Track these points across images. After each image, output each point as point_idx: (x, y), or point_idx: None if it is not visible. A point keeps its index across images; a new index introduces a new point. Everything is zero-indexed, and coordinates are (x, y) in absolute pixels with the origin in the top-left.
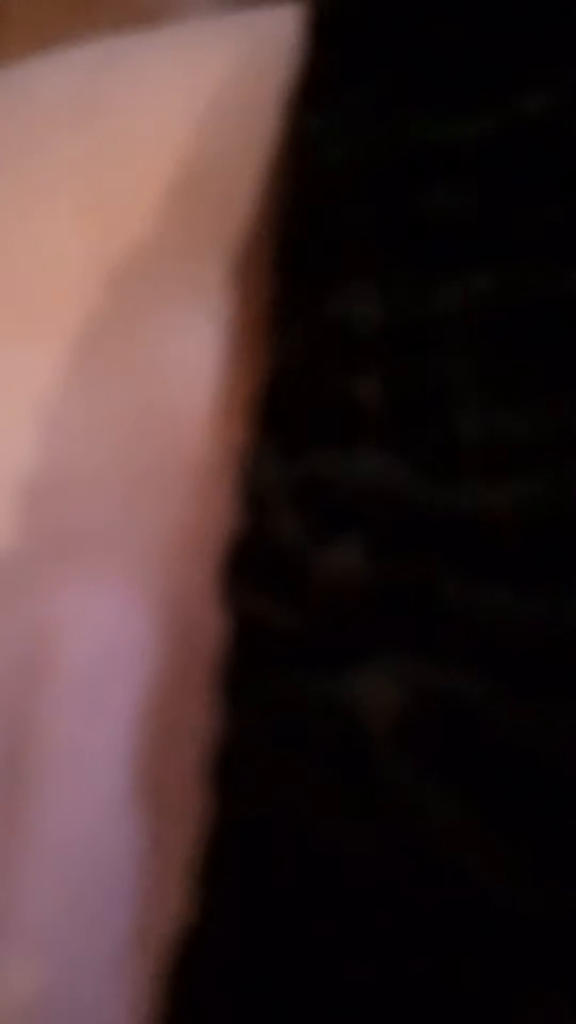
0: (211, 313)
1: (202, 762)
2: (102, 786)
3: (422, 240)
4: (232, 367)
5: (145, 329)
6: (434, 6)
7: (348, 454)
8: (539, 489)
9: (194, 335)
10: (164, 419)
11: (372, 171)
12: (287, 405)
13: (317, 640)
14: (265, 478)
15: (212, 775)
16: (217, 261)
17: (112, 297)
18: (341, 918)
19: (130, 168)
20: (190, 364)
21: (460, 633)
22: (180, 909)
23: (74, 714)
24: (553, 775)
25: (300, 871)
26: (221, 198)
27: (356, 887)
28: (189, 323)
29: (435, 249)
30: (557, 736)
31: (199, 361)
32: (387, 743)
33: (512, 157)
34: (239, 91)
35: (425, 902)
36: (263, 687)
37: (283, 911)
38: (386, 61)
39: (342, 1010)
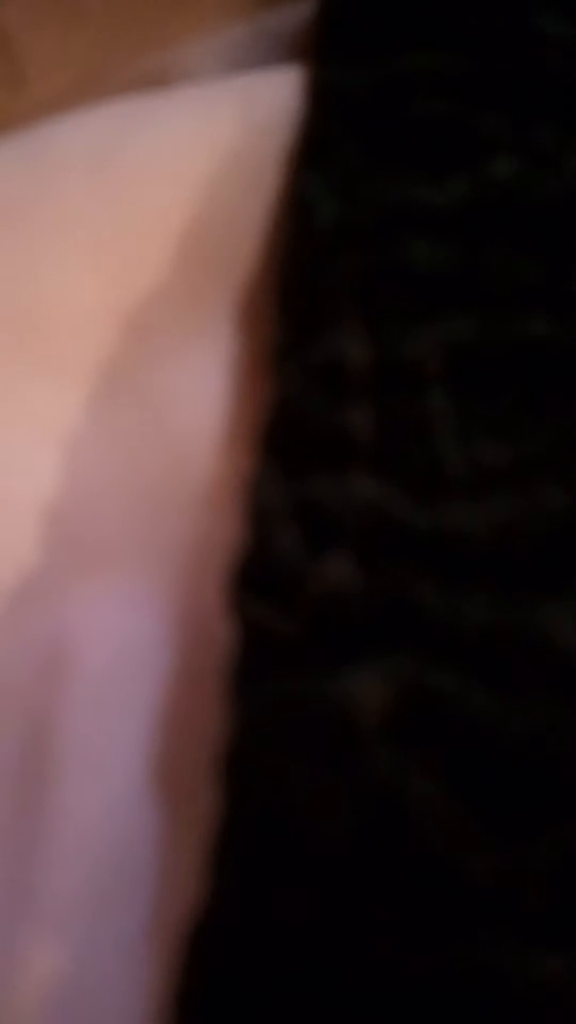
0: (216, 353)
1: (212, 757)
2: (119, 781)
3: (406, 290)
4: (235, 400)
5: (156, 366)
6: (416, 82)
7: (342, 478)
8: (512, 510)
9: (201, 372)
10: (174, 446)
11: (361, 227)
12: (287, 434)
13: (313, 644)
14: (267, 499)
15: (221, 769)
16: (222, 307)
17: (125, 338)
18: (338, 898)
19: (141, 222)
20: (197, 397)
21: (441, 636)
22: (193, 896)
23: (92, 715)
24: (523, 759)
25: (300, 856)
26: (226, 249)
27: (350, 868)
28: (196, 361)
29: (418, 298)
30: (526, 725)
31: (205, 395)
32: (376, 735)
33: (484, 216)
34: (244, 152)
35: (411, 876)
36: (266, 687)
37: (286, 894)
38: (374, 129)
39: (345, 988)
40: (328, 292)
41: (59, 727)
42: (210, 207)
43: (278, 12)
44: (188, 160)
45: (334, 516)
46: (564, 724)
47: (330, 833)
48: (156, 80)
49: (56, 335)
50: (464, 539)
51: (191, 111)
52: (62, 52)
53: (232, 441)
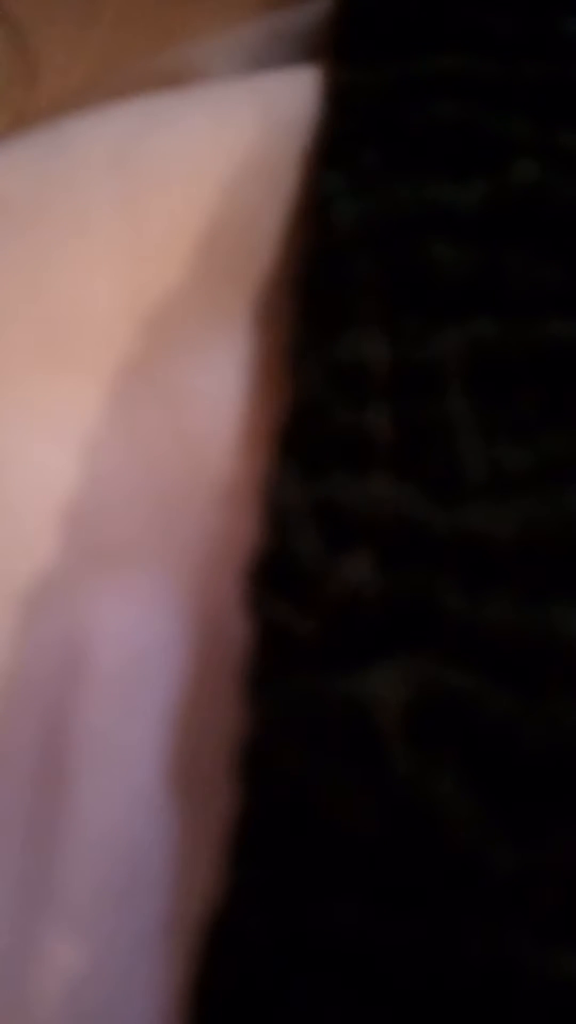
0: (235, 353)
1: (230, 755)
2: (136, 780)
3: (426, 291)
4: (253, 400)
5: (174, 366)
6: (437, 84)
7: (361, 479)
8: (534, 511)
9: (219, 371)
10: (192, 445)
11: (381, 228)
12: (306, 435)
13: (332, 644)
14: (286, 499)
15: (239, 767)
16: (240, 307)
17: (145, 338)
18: (358, 894)
19: (160, 222)
20: (216, 397)
21: (461, 636)
22: (211, 893)
23: (110, 713)
24: (542, 759)
25: (320, 852)
26: (244, 249)
27: (370, 864)
28: (215, 361)
29: (437, 299)
30: (545, 726)
31: (224, 394)
32: (396, 735)
33: (506, 218)
34: (262, 151)
35: (430, 873)
36: (284, 686)
37: (306, 890)
38: (394, 130)
39: (364, 984)
40: (347, 292)
41: (77, 726)
42: (228, 207)
43: (293, 11)
44: (206, 160)
45: (353, 517)
46: None
47: (350, 830)
48: (170, 78)
49: (75, 334)
50: (484, 541)
51: (209, 110)
52: (76, 49)
53: (250, 441)
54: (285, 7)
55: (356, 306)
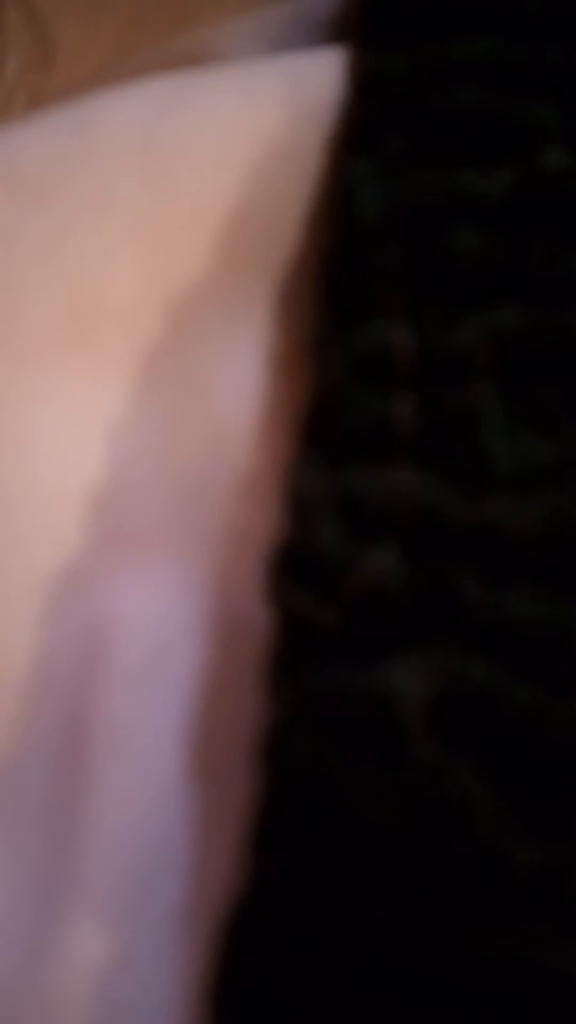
0: (257, 340)
1: (250, 744)
2: (157, 767)
3: (451, 279)
4: (276, 388)
5: (198, 353)
6: (463, 69)
7: (384, 469)
8: (559, 504)
9: (242, 359)
10: (215, 434)
11: (406, 215)
12: (328, 424)
13: (355, 635)
14: (309, 489)
15: (260, 757)
16: (264, 294)
17: (168, 323)
18: (377, 886)
19: (187, 202)
20: (238, 385)
21: (484, 630)
22: (232, 880)
23: (131, 700)
24: (565, 753)
25: (342, 842)
26: (270, 234)
27: (392, 855)
28: (237, 349)
29: (463, 288)
30: (568, 721)
31: (246, 382)
32: (418, 728)
33: (533, 207)
34: (288, 135)
35: (452, 867)
36: (306, 677)
37: (327, 880)
38: (420, 115)
39: (385, 976)
40: (372, 280)
41: (98, 713)
42: (254, 191)
43: None
44: (232, 140)
45: (376, 508)
46: None
47: (371, 823)
48: (188, 62)
49: (97, 314)
50: (508, 534)
51: (236, 89)
52: (92, 33)
53: (272, 430)
54: None
55: (380, 295)
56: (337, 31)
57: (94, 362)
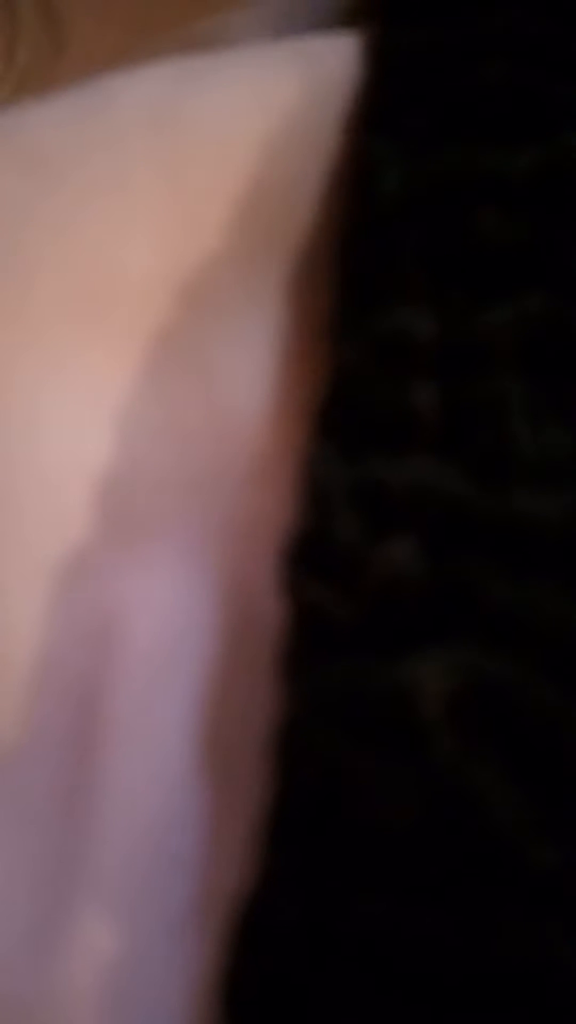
0: (272, 324)
1: (262, 737)
2: (166, 757)
3: (474, 261)
4: (289, 374)
5: (210, 338)
6: (485, 46)
7: (404, 459)
8: None
9: (255, 344)
10: (226, 419)
11: (428, 195)
12: (347, 411)
13: (373, 629)
14: (326, 479)
15: (275, 750)
16: (278, 275)
17: (181, 306)
18: (392, 882)
19: (201, 181)
20: (251, 370)
21: (505, 625)
22: (244, 875)
23: (141, 690)
24: None
25: (358, 839)
26: (284, 214)
27: (409, 852)
28: (251, 333)
29: (486, 272)
30: None
31: (259, 368)
32: (439, 723)
33: (558, 188)
34: (303, 115)
35: (470, 864)
36: (323, 670)
37: (342, 876)
38: (442, 93)
39: (399, 973)
40: (392, 262)
41: (108, 702)
42: (268, 170)
43: None
44: (247, 121)
45: (396, 499)
46: None
47: (390, 818)
48: (200, 45)
49: (110, 294)
50: (532, 526)
51: (251, 70)
52: (104, 17)
53: (285, 415)
54: None
55: (402, 278)
56: (347, 18)
57: (106, 338)
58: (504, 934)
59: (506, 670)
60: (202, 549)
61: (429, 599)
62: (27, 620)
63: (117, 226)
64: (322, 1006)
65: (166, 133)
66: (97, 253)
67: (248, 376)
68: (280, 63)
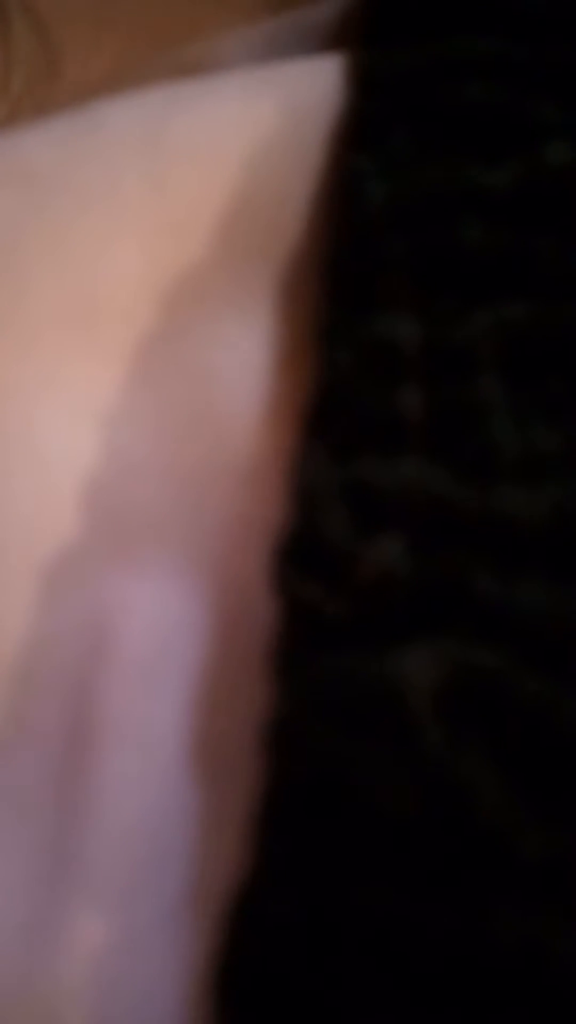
0: (259, 331)
1: (255, 733)
2: (160, 755)
3: (457, 272)
4: (278, 379)
5: (197, 342)
6: (467, 67)
7: (392, 459)
8: (568, 494)
9: (244, 351)
10: (214, 422)
11: (412, 208)
12: (334, 414)
13: (363, 624)
14: (315, 479)
15: (268, 744)
16: (265, 285)
17: (169, 314)
18: (385, 874)
19: (188, 196)
20: (239, 375)
21: (493, 618)
22: (236, 869)
23: (135, 690)
24: (572, 741)
25: (350, 828)
26: (269, 227)
27: (400, 842)
28: (238, 339)
29: (469, 280)
30: (574, 705)
31: (247, 373)
32: (427, 715)
33: (537, 200)
34: (286, 132)
35: (460, 853)
36: (314, 665)
37: (334, 866)
38: (425, 112)
39: (392, 963)
40: (378, 272)
41: (102, 704)
42: (253, 185)
43: (312, 4)
44: (232, 139)
45: (384, 498)
46: None
47: (380, 810)
48: (190, 70)
49: (99, 306)
50: (516, 523)
51: (234, 93)
52: (97, 41)
53: (275, 420)
54: (302, 2)
55: (387, 287)
56: (334, 40)
57: (99, 346)
58: (495, 921)
59: (492, 661)
60: (194, 549)
61: (417, 595)
62: (19, 618)
63: (108, 239)
64: (316, 995)
65: (154, 150)
66: (89, 265)
67: (238, 380)
68: (267, 84)
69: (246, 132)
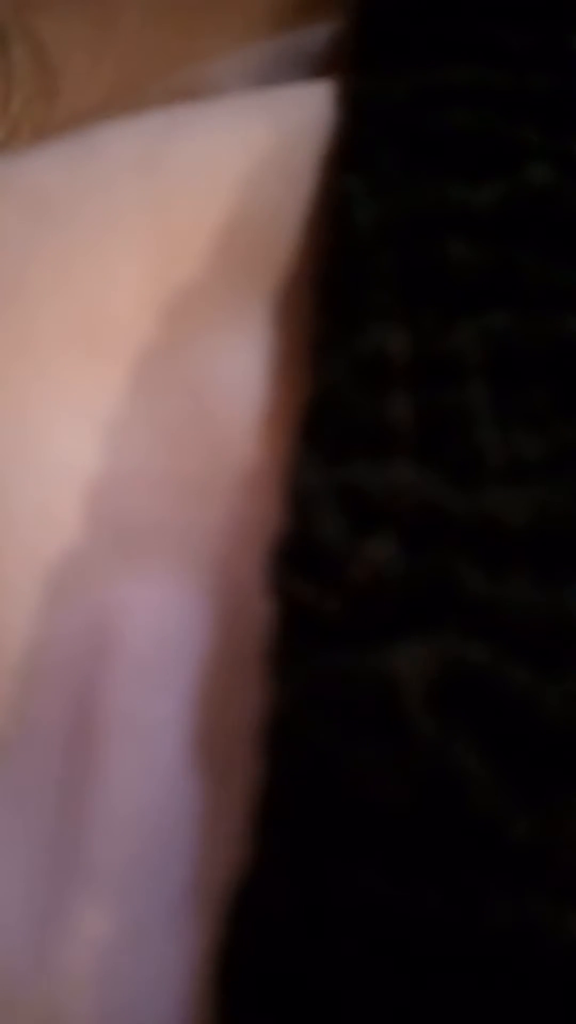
0: (255, 342)
1: (254, 730)
2: (162, 754)
3: (444, 287)
4: (274, 388)
5: (196, 354)
6: (452, 94)
7: (383, 463)
8: (548, 496)
9: (241, 362)
10: (213, 430)
11: (400, 227)
12: (328, 422)
13: (356, 621)
14: (310, 484)
15: (265, 740)
16: (261, 299)
17: (169, 328)
18: (380, 862)
19: (186, 218)
20: (237, 384)
21: (481, 615)
22: (236, 864)
23: (136, 691)
24: (560, 731)
25: (347, 819)
26: (264, 248)
27: (394, 831)
28: (237, 352)
29: (455, 294)
30: (562, 700)
31: (245, 382)
32: (419, 708)
33: (520, 218)
34: (279, 154)
35: (453, 842)
36: (309, 662)
37: (332, 857)
38: (412, 137)
39: (390, 951)
40: (369, 287)
41: (104, 704)
42: (248, 206)
43: (302, 33)
44: (227, 162)
45: (375, 501)
46: None
47: (374, 801)
48: (187, 95)
49: (103, 323)
50: (502, 524)
51: (227, 118)
52: (95, 66)
53: (272, 429)
54: (294, 27)
55: (377, 301)
56: (325, 66)
57: (101, 364)
58: (487, 906)
59: (481, 655)
60: (193, 551)
61: (409, 593)
62: (23, 619)
63: (111, 259)
64: (317, 984)
65: (153, 176)
66: (91, 288)
67: (235, 391)
68: (260, 108)
69: (241, 155)
